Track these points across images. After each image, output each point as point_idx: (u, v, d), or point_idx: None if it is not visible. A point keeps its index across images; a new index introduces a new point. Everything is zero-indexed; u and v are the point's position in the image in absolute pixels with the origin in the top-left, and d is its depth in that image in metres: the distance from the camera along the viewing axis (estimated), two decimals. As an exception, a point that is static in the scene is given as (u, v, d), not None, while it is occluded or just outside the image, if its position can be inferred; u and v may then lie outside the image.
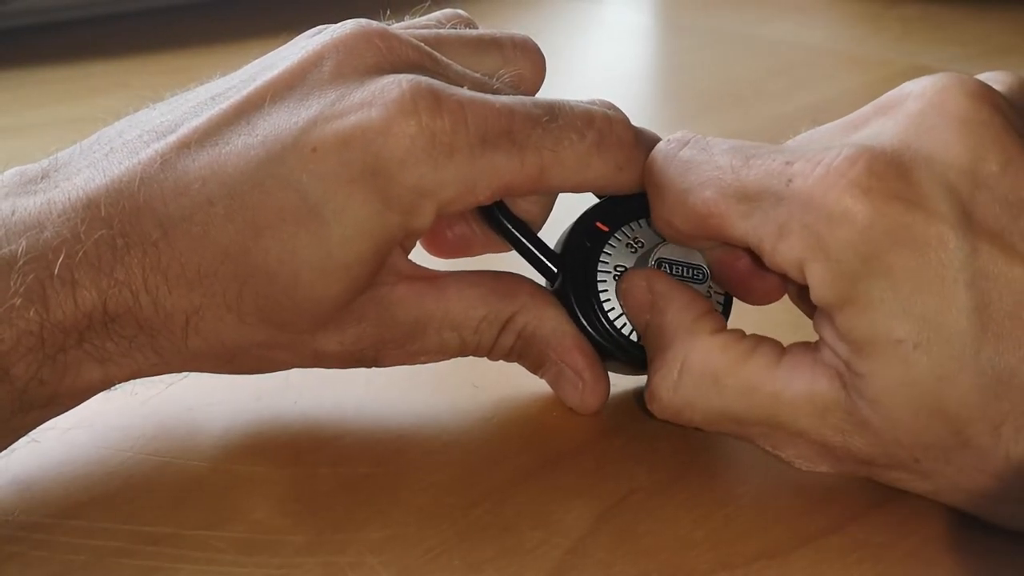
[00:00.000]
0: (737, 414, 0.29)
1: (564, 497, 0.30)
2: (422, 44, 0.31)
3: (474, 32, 0.34)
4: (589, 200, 0.34)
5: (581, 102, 0.31)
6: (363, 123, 0.28)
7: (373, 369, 0.33)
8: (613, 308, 0.32)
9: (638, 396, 0.34)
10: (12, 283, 0.27)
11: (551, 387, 0.34)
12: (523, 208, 0.33)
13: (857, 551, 0.28)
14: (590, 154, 0.31)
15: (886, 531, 0.28)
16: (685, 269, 0.32)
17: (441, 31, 0.33)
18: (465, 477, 0.31)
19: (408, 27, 0.34)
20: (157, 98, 0.32)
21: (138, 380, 0.30)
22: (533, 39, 0.34)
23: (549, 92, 0.33)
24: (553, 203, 0.34)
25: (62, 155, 0.31)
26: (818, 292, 0.27)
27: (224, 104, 0.30)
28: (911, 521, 0.29)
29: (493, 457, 0.32)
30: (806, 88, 0.70)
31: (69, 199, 0.28)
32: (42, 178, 0.30)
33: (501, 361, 0.33)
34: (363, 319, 0.31)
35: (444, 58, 0.31)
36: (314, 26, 0.33)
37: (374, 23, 0.31)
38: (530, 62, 0.33)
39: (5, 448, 0.29)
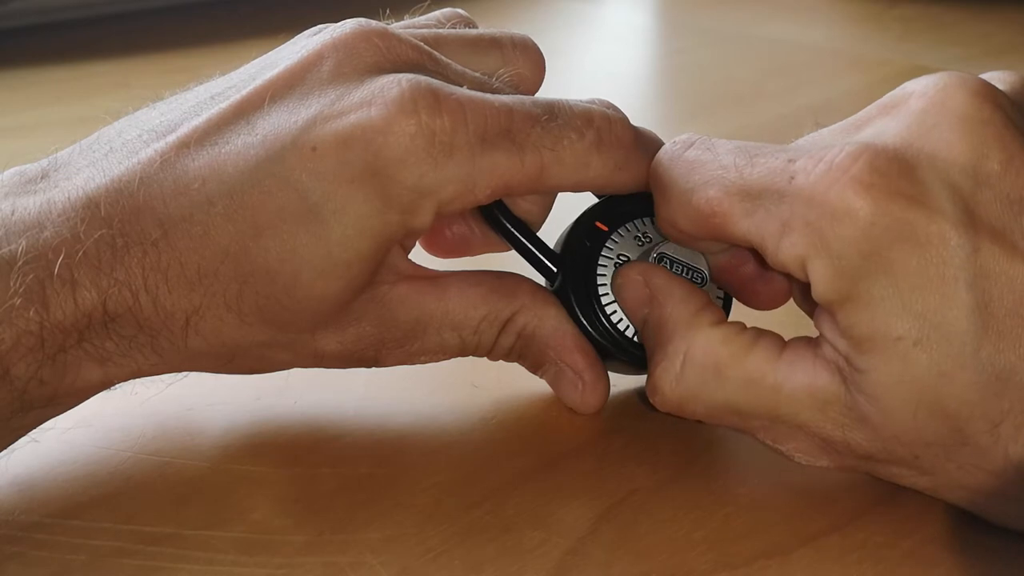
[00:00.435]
0: (739, 406, 0.29)
1: (564, 497, 0.30)
2: (422, 43, 0.31)
3: (474, 31, 0.34)
4: (589, 200, 0.34)
5: (580, 101, 0.31)
6: (363, 122, 0.28)
7: (373, 369, 0.33)
8: (613, 308, 0.32)
9: (639, 396, 0.34)
10: (12, 283, 0.27)
11: (551, 387, 0.34)
12: (523, 208, 0.33)
13: (857, 551, 0.28)
14: (589, 153, 0.31)
15: (886, 531, 0.28)
16: (685, 269, 0.32)
17: (441, 30, 0.33)
18: (465, 477, 0.31)
19: (408, 26, 0.34)
20: (157, 98, 0.32)
21: (138, 380, 0.30)
22: (532, 39, 0.34)
23: (549, 92, 0.33)
24: (552, 203, 0.34)
25: (61, 155, 0.31)
26: (819, 289, 0.27)
27: (224, 104, 0.30)
28: (911, 521, 0.29)
29: (493, 457, 0.32)
30: (806, 88, 0.70)
31: (69, 199, 0.28)
32: (42, 178, 0.30)
33: (501, 361, 0.33)
34: (363, 319, 0.31)
35: (444, 57, 0.31)
36: (314, 26, 0.33)
37: (374, 23, 0.31)
38: (530, 61, 0.33)
39: (5, 448, 0.29)
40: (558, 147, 0.30)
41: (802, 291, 0.31)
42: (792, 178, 0.27)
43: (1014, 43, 0.80)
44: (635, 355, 0.32)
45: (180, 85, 0.33)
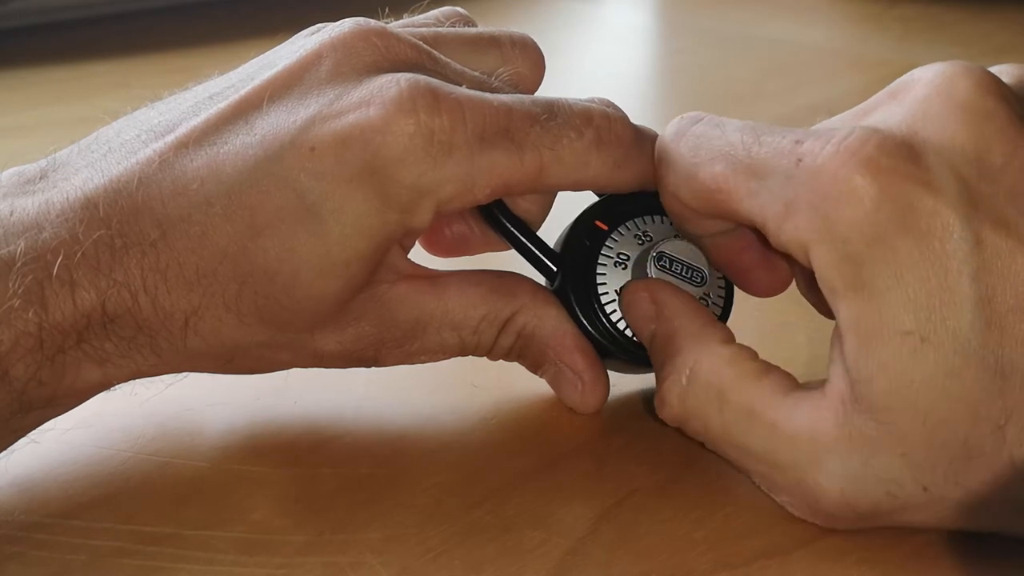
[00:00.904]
0: (736, 439, 0.29)
1: (564, 497, 0.30)
2: (420, 43, 0.31)
3: (473, 30, 0.34)
4: (589, 199, 0.34)
5: (580, 100, 0.31)
6: (361, 122, 0.28)
7: (373, 369, 0.33)
8: (613, 307, 0.32)
9: (638, 397, 0.34)
10: (11, 284, 0.27)
11: (551, 387, 0.34)
12: (522, 207, 0.33)
13: (857, 551, 0.28)
14: (589, 152, 0.30)
15: (886, 531, 0.28)
16: (684, 269, 0.32)
17: (440, 29, 0.33)
18: (465, 477, 0.31)
19: (406, 25, 0.34)
20: (155, 98, 0.32)
21: (137, 380, 0.30)
22: (532, 38, 0.34)
23: (549, 92, 0.33)
24: (552, 202, 0.34)
25: (60, 155, 0.31)
26: (823, 275, 0.26)
27: (222, 104, 0.30)
28: (912, 520, 0.29)
29: (493, 457, 0.32)
30: (806, 88, 0.70)
31: (67, 199, 0.28)
32: (40, 178, 0.30)
33: (501, 361, 0.33)
34: (362, 318, 0.31)
35: (443, 57, 0.31)
36: (313, 25, 0.33)
37: (372, 22, 0.31)
38: (529, 60, 0.33)
39: (5, 449, 0.29)
40: (557, 146, 0.30)
41: (804, 277, 0.30)
42: (799, 159, 0.26)
43: (1014, 43, 0.80)
44: (635, 354, 0.32)
45: (180, 85, 0.33)
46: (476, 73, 0.32)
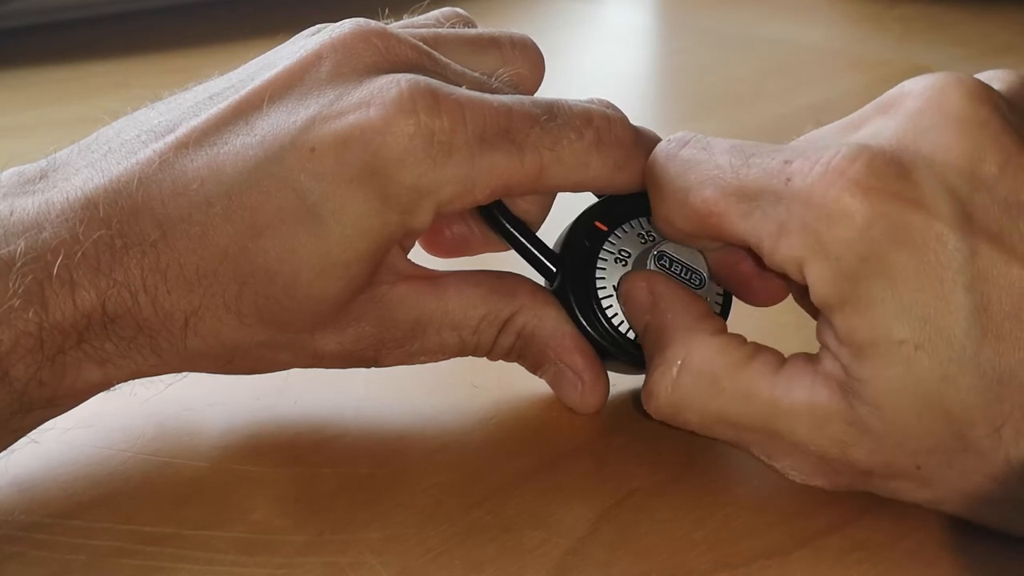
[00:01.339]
0: (733, 419, 0.29)
1: (564, 497, 0.30)
2: (420, 43, 0.31)
3: (473, 31, 0.34)
4: (589, 200, 0.34)
5: (580, 101, 0.31)
6: (361, 123, 0.28)
7: (373, 369, 0.33)
8: (612, 308, 0.32)
9: (637, 397, 0.34)
10: (11, 284, 0.27)
11: (550, 387, 0.34)
12: (522, 208, 0.33)
13: (857, 551, 0.28)
14: (589, 153, 0.31)
15: (886, 531, 0.28)
16: (684, 270, 0.32)
17: (440, 30, 0.33)
18: (465, 477, 0.31)
19: (406, 26, 0.34)
20: (155, 98, 0.32)
21: (137, 380, 0.30)
22: (532, 38, 0.34)
23: (549, 92, 0.33)
24: (552, 203, 0.34)
25: (60, 155, 0.31)
26: (818, 291, 0.27)
27: (222, 104, 0.30)
28: (911, 521, 0.29)
29: (493, 457, 0.32)
30: (806, 88, 0.70)
31: (67, 199, 0.28)
32: (40, 178, 0.30)
33: (501, 361, 0.33)
34: (362, 319, 0.31)
35: (443, 57, 0.31)
36: (313, 25, 0.33)
37: (372, 22, 0.31)
38: (529, 61, 0.33)
39: (5, 449, 0.29)
40: (557, 147, 0.30)
41: (800, 290, 0.31)
42: (788, 180, 0.27)
43: (1014, 43, 0.80)
44: (634, 355, 0.32)
45: (180, 85, 0.33)
46: (476, 74, 0.32)
